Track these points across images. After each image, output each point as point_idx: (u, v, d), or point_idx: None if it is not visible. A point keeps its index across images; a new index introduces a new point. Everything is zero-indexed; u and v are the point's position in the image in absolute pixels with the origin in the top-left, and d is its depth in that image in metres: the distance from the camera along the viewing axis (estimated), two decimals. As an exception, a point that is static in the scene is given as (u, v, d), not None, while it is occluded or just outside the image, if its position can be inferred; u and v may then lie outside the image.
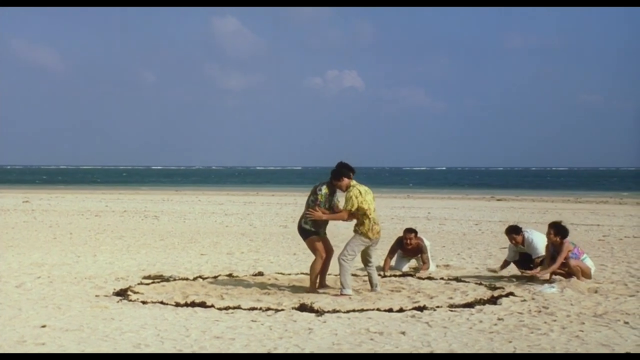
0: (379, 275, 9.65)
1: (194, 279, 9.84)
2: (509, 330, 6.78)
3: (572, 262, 9.35)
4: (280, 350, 6.09)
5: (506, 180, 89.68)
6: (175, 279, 9.76)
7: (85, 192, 42.50)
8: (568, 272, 9.38)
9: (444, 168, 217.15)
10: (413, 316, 7.37)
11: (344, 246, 8.76)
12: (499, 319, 7.23)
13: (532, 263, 9.90)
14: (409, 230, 11.08)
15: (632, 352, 6.06)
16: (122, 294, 8.55)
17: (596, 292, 8.77)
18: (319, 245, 8.87)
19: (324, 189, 8.82)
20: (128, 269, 10.74)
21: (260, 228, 18.36)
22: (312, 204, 8.80)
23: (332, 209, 8.88)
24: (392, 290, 9.02)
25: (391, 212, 24.74)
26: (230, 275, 10.17)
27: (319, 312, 7.46)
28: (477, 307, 7.82)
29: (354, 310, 7.59)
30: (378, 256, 10.10)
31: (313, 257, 8.98)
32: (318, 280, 9.13)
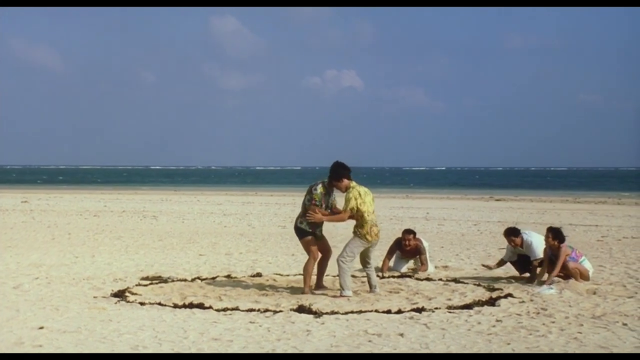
0: (378, 276, 9.63)
1: (192, 280, 9.82)
2: (508, 332, 6.77)
3: (571, 265, 9.35)
4: (278, 352, 6.07)
5: (505, 180, 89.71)
6: (173, 280, 9.75)
7: (84, 192, 42.48)
8: (567, 273, 9.38)
9: (444, 168, 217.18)
10: (411, 318, 7.36)
11: (343, 247, 8.75)
12: (497, 321, 7.22)
13: (531, 265, 9.89)
14: (408, 231, 11.07)
15: (630, 353, 6.06)
16: (120, 295, 8.53)
17: (595, 293, 8.76)
18: (314, 246, 8.86)
19: (320, 188, 8.80)
20: (126, 269, 10.73)
21: (258, 228, 18.35)
22: (308, 203, 8.79)
23: (329, 208, 8.87)
24: (390, 292, 9.01)
25: (390, 212, 24.73)
26: (228, 276, 10.16)
27: (317, 314, 7.45)
28: (476, 308, 7.82)
29: (352, 312, 7.58)
30: (376, 257, 10.10)
31: (310, 258, 8.97)
32: (315, 281, 9.12)
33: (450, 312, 7.62)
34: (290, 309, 7.71)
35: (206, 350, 6.14)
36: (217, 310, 7.66)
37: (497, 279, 9.93)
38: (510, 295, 8.55)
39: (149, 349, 6.16)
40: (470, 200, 35.71)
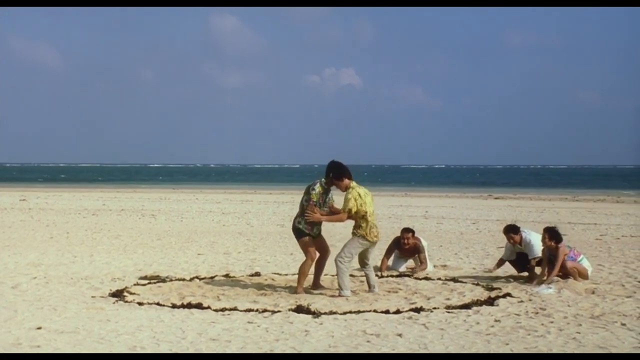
0: (377, 275, 9.62)
1: (191, 279, 9.81)
2: (506, 332, 6.76)
3: (569, 264, 9.35)
4: (276, 352, 6.06)
5: (504, 178, 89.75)
6: (171, 280, 9.73)
7: (82, 191, 42.45)
8: (565, 273, 9.38)
9: (443, 166, 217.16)
10: (410, 318, 7.35)
11: (342, 248, 8.74)
12: (495, 321, 7.21)
13: (529, 264, 9.88)
14: (407, 230, 11.06)
15: (628, 354, 6.05)
16: (118, 295, 8.52)
17: (593, 293, 8.75)
18: (311, 247, 8.84)
19: (317, 188, 8.79)
20: (125, 269, 10.72)
21: (257, 227, 18.33)
22: (306, 203, 8.77)
23: (326, 208, 8.85)
24: (389, 291, 9.00)
25: (389, 210, 24.72)
26: (227, 275, 10.14)
27: (316, 314, 7.44)
28: (474, 308, 7.81)
29: (350, 312, 7.57)
30: (375, 256, 10.09)
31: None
32: (312, 281, 9.12)
33: (448, 312, 7.61)
34: (289, 309, 7.70)
35: (204, 350, 6.13)
36: (216, 311, 7.65)
37: (496, 278, 9.92)
38: (508, 294, 8.55)
39: (147, 349, 6.15)
40: (469, 199, 35.70)
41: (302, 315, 7.41)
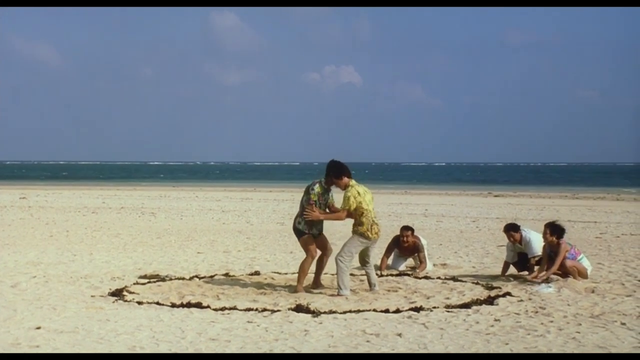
0: (376, 274, 9.60)
1: (190, 278, 9.80)
2: (506, 331, 6.75)
3: (569, 263, 9.33)
4: (276, 352, 6.06)
5: (505, 175, 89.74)
6: (171, 279, 9.72)
7: (82, 188, 42.44)
8: (565, 272, 9.36)
9: (444, 164, 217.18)
10: (409, 317, 7.34)
11: (342, 246, 8.73)
12: (495, 320, 7.20)
13: (528, 262, 9.87)
14: (406, 228, 11.04)
15: (628, 353, 6.04)
16: (118, 294, 8.51)
17: (593, 292, 8.74)
18: (312, 245, 8.83)
19: (317, 188, 8.78)
20: (124, 268, 10.71)
21: (257, 225, 18.33)
22: (306, 203, 8.77)
23: (326, 207, 8.85)
24: (388, 290, 8.99)
25: (388, 208, 24.72)
26: (226, 274, 10.13)
27: (315, 313, 7.43)
28: (474, 307, 7.79)
29: (350, 311, 7.56)
30: (375, 255, 10.07)
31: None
32: (313, 280, 9.11)
33: (448, 312, 7.60)
34: (289, 309, 7.69)
35: (204, 350, 6.12)
36: (215, 310, 7.64)
37: (496, 277, 9.91)
38: (508, 294, 8.54)
39: (147, 349, 6.14)
40: (468, 196, 35.71)
41: (301, 315, 7.40)
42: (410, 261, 11.13)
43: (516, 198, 34.11)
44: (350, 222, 8.83)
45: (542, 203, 29.36)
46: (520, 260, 10.07)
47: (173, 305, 7.86)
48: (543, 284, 9.01)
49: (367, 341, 6.39)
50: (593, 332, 6.70)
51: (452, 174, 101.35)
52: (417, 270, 10.58)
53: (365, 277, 9.15)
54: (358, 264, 9.17)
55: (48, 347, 6.16)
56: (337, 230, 12.43)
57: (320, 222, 8.91)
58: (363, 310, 7.60)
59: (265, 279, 9.87)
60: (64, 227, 16.93)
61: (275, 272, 10.39)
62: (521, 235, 9.96)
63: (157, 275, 9.96)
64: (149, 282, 9.43)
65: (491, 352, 6.08)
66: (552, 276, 9.31)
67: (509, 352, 6.09)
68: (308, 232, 8.81)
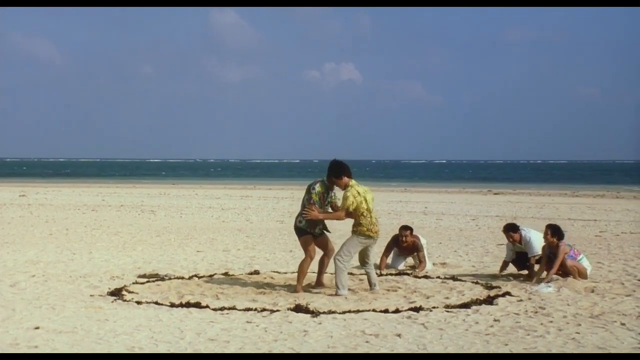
0: (376, 273, 9.58)
1: (190, 277, 9.79)
2: (505, 332, 6.74)
3: (569, 263, 9.32)
4: (275, 353, 6.04)
5: (505, 173, 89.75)
6: (170, 278, 9.70)
7: (82, 186, 42.43)
8: (565, 271, 9.36)
9: (444, 161, 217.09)
10: (409, 317, 7.33)
11: (341, 246, 8.72)
12: (495, 320, 7.19)
13: (528, 262, 9.86)
14: (405, 228, 11.02)
15: (628, 354, 6.04)
16: (117, 293, 8.49)
17: (593, 291, 8.73)
18: (311, 245, 8.82)
19: (318, 187, 8.77)
20: (123, 266, 10.69)
21: (256, 223, 18.32)
22: (307, 203, 8.76)
23: (328, 207, 8.84)
24: (388, 290, 8.97)
25: (388, 206, 24.71)
26: (226, 273, 10.12)
27: (315, 313, 7.41)
28: (474, 307, 7.78)
29: (349, 311, 7.54)
30: (375, 254, 10.06)
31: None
32: (315, 279, 9.11)
33: (448, 312, 7.59)
34: (288, 308, 7.67)
35: (202, 351, 6.11)
36: (214, 310, 7.63)
37: (495, 277, 9.90)
38: (508, 293, 8.52)
39: (145, 349, 6.13)
40: (468, 194, 35.70)
41: (301, 315, 7.38)
42: (409, 260, 11.12)
43: (516, 196, 34.10)
44: (350, 221, 8.82)
45: (542, 201, 29.35)
46: (520, 258, 10.07)
47: (172, 305, 7.84)
48: (542, 284, 9.01)
49: (367, 342, 6.38)
50: (593, 333, 6.69)
51: (453, 171, 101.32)
52: (417, 270, 10.58)
53: (364, 277, 9.14)
54: (357, 264, 9.16)
55: (47, 347, 6.15)
56: (336, 229, 12.41)
57: (322, 222, 8.90)
58: (362, 310, 7.59)
59: (265, 278, 9.86)
60: (63, 225, 16.92)
61: (274, 272, 10.38)
62: (521, 235, 9.95)
63: (157, 274, 9.94)
64: (148, 282, 9.41)
65: (491, 352, 6.07)
66: (552, 276, 9.30)
67: (509, 352, 6.08)
68: (309, 231, 8.80)
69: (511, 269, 10.25)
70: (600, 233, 16.10)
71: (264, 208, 24.00)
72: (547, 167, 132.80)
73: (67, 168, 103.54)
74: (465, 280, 9.58)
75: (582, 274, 9.41)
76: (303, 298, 8.32)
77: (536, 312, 7.57)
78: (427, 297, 8.45)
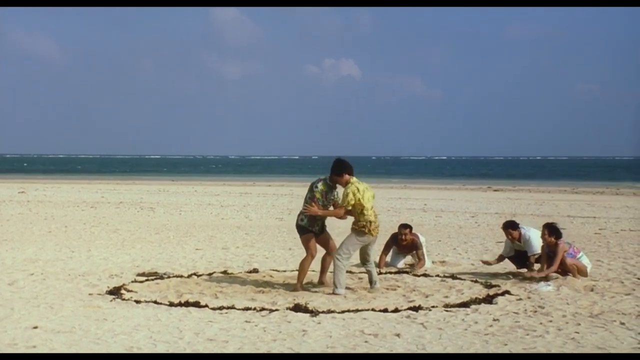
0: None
1: (189, 276, 9.76)
2: (505, 332, 6.72)
3: (568, 261, 9.31)
4: (274, 353, 6.03)
5: (505, 169, 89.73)
6: (169, 277, 9.68)
7: (81, 182, 42.40)
8: (564, 269, 9.34)
9: (444, 157, 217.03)
10: (408, 317, 7.31)
11: (340, 244, 8.70)
12: (494, 320, 7.17)
13: (528, 260, 9.84)
14: (404, 226, 11.00)
15: (627, 354, 6.02)
16: (116, 292, 8.47)
17: (592, 290, 8.72)
18: (312, 243, 8.81)
19: (320, 186, 8.77)
20: (122, 265, 10.67)
21: (256, 221, 18.29)
22: (309, 200, 8.75)
23: (330, 205, 8.82)
24: (387, 289, 8.95)
25: (387, 203, 24.69)
26: (225, 272, 10.10)
27: (314, 313, 7.39)
28: (473, 306, 7.76)
29: (348, 311, 7.52)
30: (374, 251, 10.04)
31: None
32: (318, 277, 9.11)
33: (447, 311, 7.57)
34: (287, 308, 7.65)
35: (201, 351, 6.09)
36: (213, 309, 7.60)
37: (495, 275, 9.88)
38: (507, 292, 8.51)
39: (144, 349, 6.11)
40: (468, 191, 35.67)
41: (300, 314, 7.36)
42: (408, 258, 11.10)
43: (515, 192, 34.07)
44: (350, 218, 8.80)
45: (542, 198, 29.33)
46: (519, 256, 10.05)
47: (171, 305, 7.82)
48: (542, 282, 8.98)
49: (366, 341, 6.36)
50: (592, 332, 6.67)
51: (453, 168, 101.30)
52: (416, 268, 10.56)
53: (363, 275, 9.12)
54: (358, 262, 9.14)
55: (45, 347, 6.13)
56: (336, 226, 12.38)
57: (322, 220, 8.88)
58: (361, 310, 7.57)
59: (264, 276, 9.84)
60: (62, 223, 16.89)
61: (273, 270, 10.36)
62: (520, 233, 9.93)
63: (155, 272, 9.92)
64: (147, 280, 9.39)
65: (490, 352, 6.06)
66: (552, 274, 9.29)
67: (508, 352, 6.06)
68: (311, 229, 8.79)
69: (511, 267, 10.23)
70: (599, 230, 16.06)
71: (263, 205, 23.97)
72: (547, 163, 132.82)
73: (67, 164, 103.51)
74: (464, 279, 9.56)
75: (582, 272, 9.39)
76: (302, 297, 8.30)
77: (535, 312, 7.55)
78: (426, 296, 8.43)
